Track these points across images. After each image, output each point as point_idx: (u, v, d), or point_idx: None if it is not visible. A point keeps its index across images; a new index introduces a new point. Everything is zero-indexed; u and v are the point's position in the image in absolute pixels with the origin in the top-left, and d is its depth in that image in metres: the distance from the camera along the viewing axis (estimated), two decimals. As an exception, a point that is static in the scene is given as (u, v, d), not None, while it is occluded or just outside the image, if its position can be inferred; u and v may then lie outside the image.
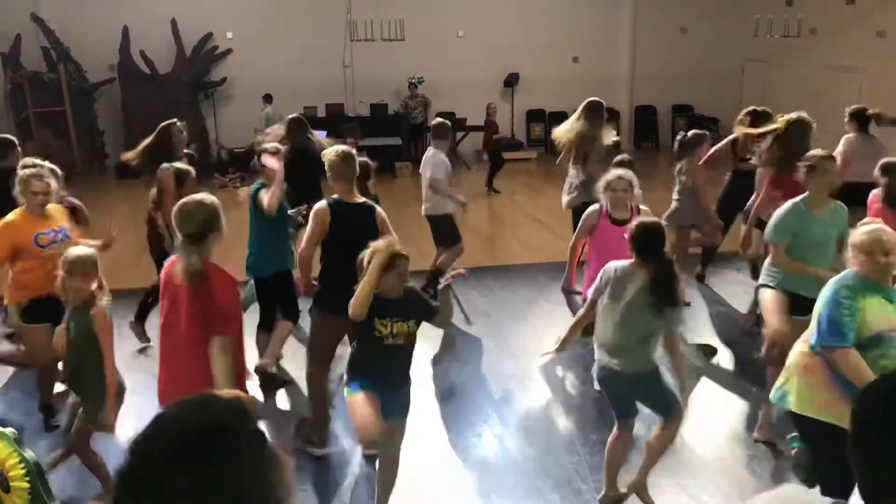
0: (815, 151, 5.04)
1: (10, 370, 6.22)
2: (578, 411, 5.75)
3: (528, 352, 6.76)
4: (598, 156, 6.90)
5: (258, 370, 5.57)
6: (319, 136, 14.61)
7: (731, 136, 7.52)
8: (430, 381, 6.23)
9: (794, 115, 6.14)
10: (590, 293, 4.36)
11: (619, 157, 6.65)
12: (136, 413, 4.72)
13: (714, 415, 5.68)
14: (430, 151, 7.87)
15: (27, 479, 2.75)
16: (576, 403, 5.88)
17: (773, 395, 3.97)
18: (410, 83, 15.49)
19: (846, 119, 7.69)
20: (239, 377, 3.73)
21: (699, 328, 7.16)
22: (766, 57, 15.72)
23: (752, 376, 6.22)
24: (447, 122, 8.14)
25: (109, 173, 14.30)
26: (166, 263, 3.89)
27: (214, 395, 1.53)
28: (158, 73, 14.69)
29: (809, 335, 3.78)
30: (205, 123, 15.34)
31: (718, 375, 6.30)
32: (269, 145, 5.96)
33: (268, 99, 14.58)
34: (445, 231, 7.88)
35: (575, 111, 7.16)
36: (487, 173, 13.27)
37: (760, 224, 6.02)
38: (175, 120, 6.49)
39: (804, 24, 13.10)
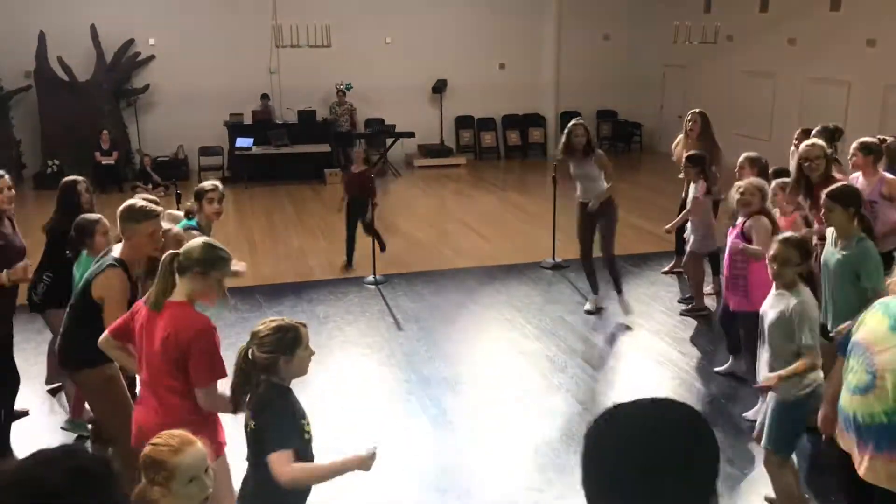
0: None
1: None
2: (509, 413, 5.83)
3: (458, 356, 6.82)
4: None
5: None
6: (246, 143, 14.54)
7: None
8: (362, 388, 6.23)
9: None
10: None
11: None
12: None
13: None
14: None
15: None
16: (506, 405, 5.95)
17: None
18: (338, 90, 15.43)
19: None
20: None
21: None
22: (685, 63, 16.19)
23: (681, 378, 6.41)
24: None
25: (27, 184, 13.81)
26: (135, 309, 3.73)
27: (71, 452, 1.42)
28: (77, 81, 14.27)
29: None
30: (127, 132, 14.98)
31: (646, 375, 6.47)
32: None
33: (264, 97, 15.22)
34: None
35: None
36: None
37: None
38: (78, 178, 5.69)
39: (721, 31, 13.53)
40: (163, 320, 3.48)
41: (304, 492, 3.32)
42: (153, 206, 4.25)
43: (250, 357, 3.14)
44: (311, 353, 3.23)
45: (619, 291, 7.51)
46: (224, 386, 3.41)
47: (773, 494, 4.45)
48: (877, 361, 3.31)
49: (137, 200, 4.26)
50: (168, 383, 3.50)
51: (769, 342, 4.25)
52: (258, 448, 3.13)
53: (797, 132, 7.59)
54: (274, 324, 3.17)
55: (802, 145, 6.06)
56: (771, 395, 4.24)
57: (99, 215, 5.12)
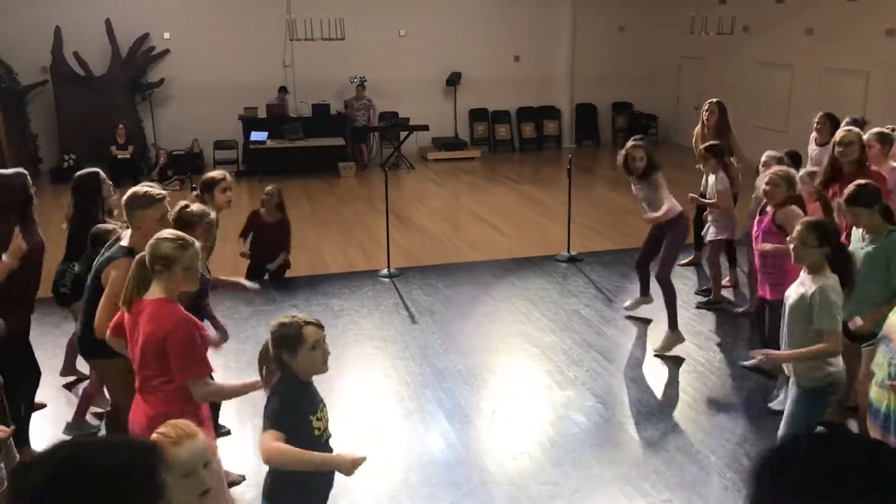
0: None
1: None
2: (524, 406, 5.81)
3: (473, 349, 6.80)
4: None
5: None
6: (261, 137, 14.55)
7: None
8: (377, 381, 6.22)
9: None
10: None
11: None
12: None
13: (656, 406, 5.80)
14: None
15: None
16: (521, 399, 5.93)
17: None
18: (357, 85, 15.41)
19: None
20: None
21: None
22: (701, 54, 16.06)
23: (697, 372, 6.37)
24: None
25: (43, 178, 13.89)
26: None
27: (113, 443, 1.42)
28: (93, 75, 14.34)
29: None
30: (142, 126, 15.04)
31: (662, 369, 6.43)
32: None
33: (282, 90, 15.30)
34: None
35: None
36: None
37: None
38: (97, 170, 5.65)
39: (737, 22, 13.41)
40: (142, 318, 3.51)
41: (326, 486, 3.34)
42: (158, 191, 4.24)
43: (268, 349, 3.21)
44: (323, 353, 3.21)
45: (672, 326, 6.69)
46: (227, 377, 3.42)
47: None
48: None
49: (141, 187, 4.25)
50: (155, 380, 3.53)
51: (787, 324, 4.22)
52: None
53: (819, 115, 7.46)
54: (281, 320, 3.22)
55: (840, 130, 6.00)
56: (791, 384, 4.22)
57: (113, 225, 5.05)
